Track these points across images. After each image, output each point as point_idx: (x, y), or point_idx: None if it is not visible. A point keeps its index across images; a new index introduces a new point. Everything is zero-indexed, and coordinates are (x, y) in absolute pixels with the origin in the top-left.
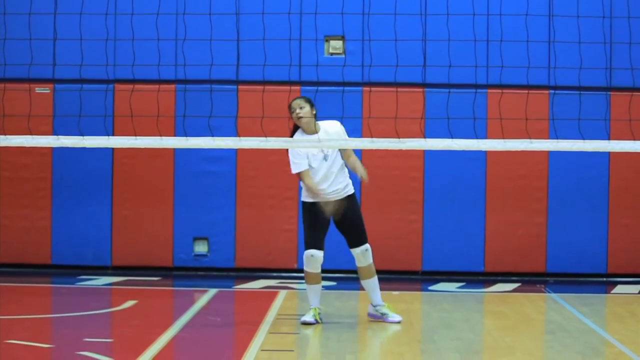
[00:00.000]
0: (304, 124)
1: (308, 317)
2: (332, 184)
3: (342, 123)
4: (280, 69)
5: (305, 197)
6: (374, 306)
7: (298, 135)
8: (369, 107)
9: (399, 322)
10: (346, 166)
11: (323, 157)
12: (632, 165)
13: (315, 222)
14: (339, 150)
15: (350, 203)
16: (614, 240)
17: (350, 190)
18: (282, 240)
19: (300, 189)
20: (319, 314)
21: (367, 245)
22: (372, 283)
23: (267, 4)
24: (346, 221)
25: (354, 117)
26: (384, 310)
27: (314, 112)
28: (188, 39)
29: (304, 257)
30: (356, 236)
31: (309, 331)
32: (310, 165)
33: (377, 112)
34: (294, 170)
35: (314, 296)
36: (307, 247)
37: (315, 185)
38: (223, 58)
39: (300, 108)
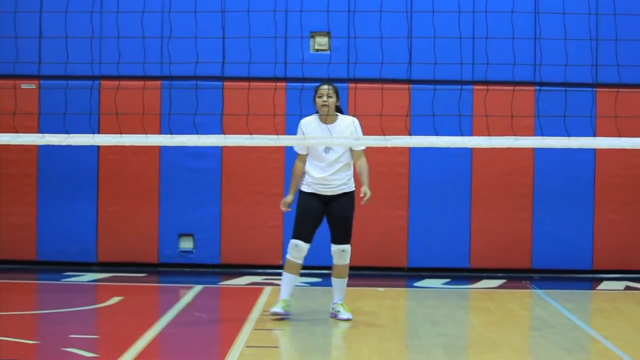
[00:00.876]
0: (324, 112)
1: (277, 309)
2: (328, 176)
3: (325, 120)
4: (266, 66)
5: (303, 186)
6: (332, 304)
7: (314, 118)
8: (355, 103)
9: (347, 320)
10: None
11: (324, 149)
12: (618, 162)
13: (308, 212)
14: (350, 151)
15: (344, 200)
16: (600, 236)
17: (349, 188)
18: (268, 237)
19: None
20: (288, 305)
21: (345, 247)
22: (340, 283)
23: (252, 1)
24: (334, 216)
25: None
26: (339, 307)
27: (338, 103)
28: (173, 37)
29: (289, 244)
30: (339, 234)
31: (294, 327)
32: (309, 154)
33: (363, 108)
34: (297, 149)
35: (287, 288)
36: (294, 236)
37: (299, 169)
38: (208, 55)
39: (329, 97)
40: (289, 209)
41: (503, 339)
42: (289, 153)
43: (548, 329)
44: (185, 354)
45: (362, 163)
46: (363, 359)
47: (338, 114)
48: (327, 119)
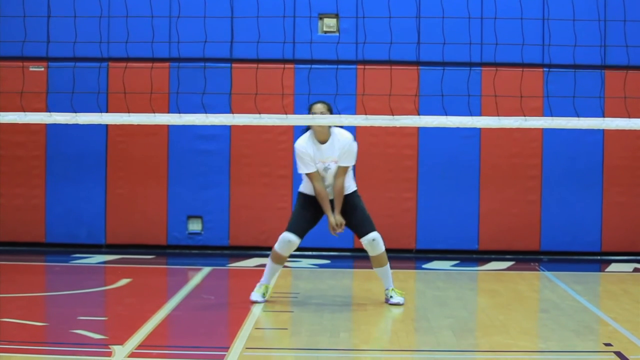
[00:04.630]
0: (318, 130)
1: (257, 297)
2: (327, 186)
3: (335, 103)
4: (274, 47)
5: (302, 188)
6: (385, 290)
7: (308, 135)
8: (363, 85)
9: (397, 304)
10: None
11: (324, 167)
12: (626, 143)
13: (307, 208)
14: (337, 168)
15: (349, 200)
16: (608, 218)
17: (350, 190)
18: (276, 219)
19: (297, 177)
20: (267, 291)
21: (373, 235)
22: (381, 272)
23: None
24: (347, 214)
25: (348, 94)
26: (391, 293)
27: None
28: (182, 17)
29: (280, 237)
30: (359, 227)
31: (302, 309)
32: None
33: (371, 89)
34: (304, 171)
35: (271, 274)
36: (288, 229)
37: (321, 190)
38: (217, 36)
39: (322, 114)
40: (340, 229)
41: (511, 321)
42: (298, 135)
43: (556, 311)
44: (194, 336)
45: (340, 183)
46: (372, 341)
47: (334, 129)
48: (321, 136)
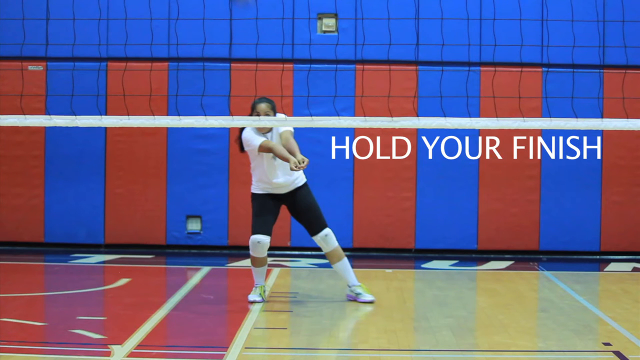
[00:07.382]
0: (261, 128)
1: (255, 297)
2: (280, 175)
3: (334, 103)
4: (273, 47)
5: (255, 189)
6: (349, 287)
7: (251, 130)
8: (362, 85)
9: (371, 302)
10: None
11: (272, 155)
12: (625, 143)
13: (266, 208)
14: (279, 137)
15: (301, 194)
16: (607, 218)
17: (300, 182)
18: None
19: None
20: (264, 291)
21: (326, 231)
22: (341, 266)
23: None
24: (300, 212)
25: (347, 95)
26: (358, 290)
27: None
28: (181, 18)
29: (250, 242)
30: (313, 224)
31: (301, 309)
32: (262, 161)
33: (370, 90)
34: (258, 142)
35: (260, 276)
36: (254, 232)
37: (275, 145)
38: (216, 37)
39: (266, 114)
40: (304, 164)
41: (511, 320)
42: (297, 135)
43: (556, 310)
44: (193, 335)
45: (289, 144)
46: (371, 340)
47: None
48: (264, 130)
